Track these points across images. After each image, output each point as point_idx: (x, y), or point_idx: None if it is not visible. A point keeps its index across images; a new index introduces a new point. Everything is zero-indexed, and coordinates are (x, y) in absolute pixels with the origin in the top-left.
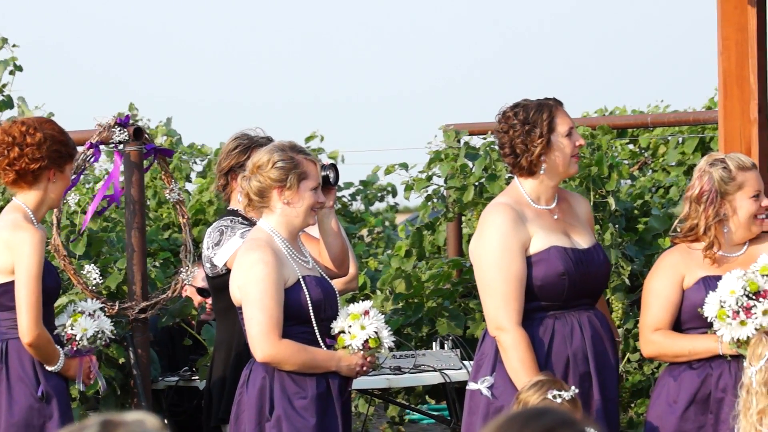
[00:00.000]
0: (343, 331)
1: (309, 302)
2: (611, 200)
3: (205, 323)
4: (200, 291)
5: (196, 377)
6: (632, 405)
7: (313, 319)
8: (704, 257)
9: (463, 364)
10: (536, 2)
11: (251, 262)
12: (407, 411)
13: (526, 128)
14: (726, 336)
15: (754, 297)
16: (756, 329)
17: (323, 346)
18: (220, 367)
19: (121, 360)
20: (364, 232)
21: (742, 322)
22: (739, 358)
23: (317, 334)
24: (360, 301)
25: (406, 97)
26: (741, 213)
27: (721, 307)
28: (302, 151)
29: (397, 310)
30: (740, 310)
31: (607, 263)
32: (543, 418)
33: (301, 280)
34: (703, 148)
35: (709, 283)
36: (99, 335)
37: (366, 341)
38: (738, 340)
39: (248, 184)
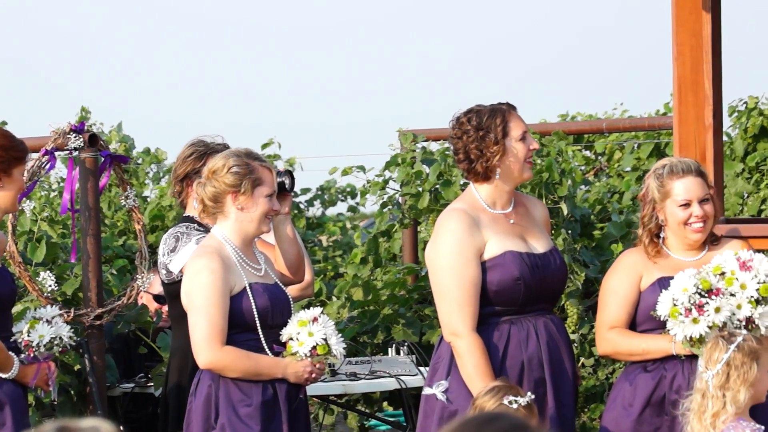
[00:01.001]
0: (291, 338)
1: (254, 310)
2: (563, 206)
3: (162, 330)
4: (157, 298)
5: (152, 384)
6: (585, 410)
7: (258, 327)
8: (649, 255)
9: (418, 370)
10: (497, 8)
11: (197, 269)
12: (365, 418)
13: (480, 133)
14: (679, 335)
15: (706, 295)
16: (708, 327)
17: (270, 354)
18: (175, 374)
19: (77, 367)
20: (323, 238)
21: (695, 320)
22: (693, 359)
23: (263, 341)
24: (316, 307)
25: (365, 103)
26: (670, 220)
27: (674, 305)
28: (258, 158)
29: (353, 317)
30: (693, 307)
31: (564, 268)
32: (496, 423)
33: (247, 287)
34: (659, 153)
35: (665, 284)
36: (56, 342)
37: (314, 348)
38: (691, 338)
39: (203, 190)
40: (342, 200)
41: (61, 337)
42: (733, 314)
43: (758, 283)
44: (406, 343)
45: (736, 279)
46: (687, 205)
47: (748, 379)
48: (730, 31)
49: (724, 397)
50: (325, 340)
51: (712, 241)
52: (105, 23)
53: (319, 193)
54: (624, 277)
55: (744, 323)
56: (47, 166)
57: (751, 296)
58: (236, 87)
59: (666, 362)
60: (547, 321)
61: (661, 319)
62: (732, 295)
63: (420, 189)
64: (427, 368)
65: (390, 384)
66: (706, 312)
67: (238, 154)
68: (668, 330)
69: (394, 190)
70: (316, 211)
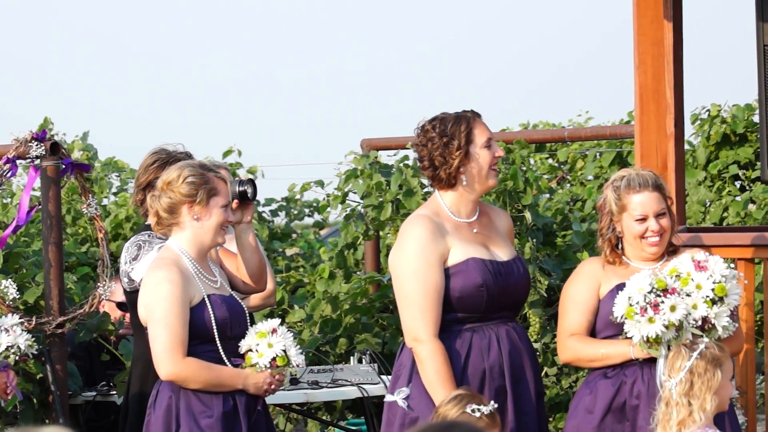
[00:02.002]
0: (250, 350)
1: (213, 321)
2: (527, 214)
3: (124, 338)
4: (120, 305)
5: (114, 392)
6: (550, 419)
7: (217, 338)
8: (608, 263)
9: (380, 378)
10: (454, 15)
11: (157, 281)
12: (327, 426)
13: (444, 140)
14: (636, 336)
15: (661, 294)
16: (665, 326)
17: (229, 365)
18: (137, 383)
19: (39, 375)
20: (290, 251)
21: (651, 319)
22: (652, 365)
23: (222, 353)
24: (277, 317)
25: (325, 111)
26: (627, 233)
27: (630, 305)
28: (212, 170)
29: (315, 323)
30: (648, 306)
31: (527, 276)
32: (453, 431)
33: (206, 298)
34: (621, 162)
35: (622, 288)
36: (13, 350)
37: (273, 359)
38: (648, 339)
39: (158, 202)
40: (309, 215)
41: (18, 346)
42: (689, 314)
43: (714, 282)
44: (368, 352)
45: (692, 279)
46: (643, 219)
47: (713, 386)
48: (692, 40)
49: (690, 405)
50: (284, 351)
51: (670, 252)
52: (63, 29)
53: (284, 203)
54: (583, 285)
55: (700, 323)
56: (8, 174)
57: (707, 296)
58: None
59: (626, 368)
60: (510, 329)
61: (618, 320)
62: (688, 295)
63: (381, 200)
64: (389, 377)
65: (352, 392)
66: (662, 311)
67: (192, 165)
68: (626, 332)
69: (355, 201)
70: (280, 221)
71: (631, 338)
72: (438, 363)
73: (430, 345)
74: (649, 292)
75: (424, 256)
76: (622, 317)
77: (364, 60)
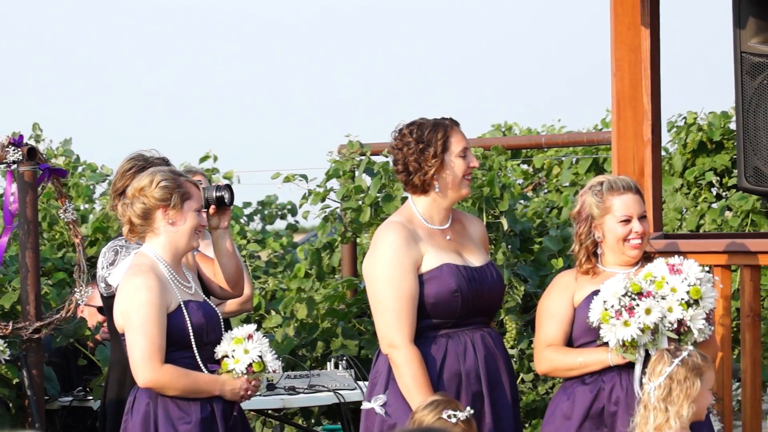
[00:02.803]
0: (226, 356)
1: (190, 327)
2: (503, 220)
3: (101, 343)
4: (101, 310)
5: (91, 397)
6: (526, 425)
7: (194, 345)
8: (582, 273)
9: (357, 384)
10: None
11: (134, 288)
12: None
13: (420, 146)
14: (611, 340)
15: (636, 297)
16: (640, 329)
17: (205, 371)
18: (114, 388)
19: (16, 380)
20: (264, 254)
21: (626, 323)
22: (630, 370)
23: (198, 359)
24: (254, 323)
25: (304, 117)
26: (609, 237)
27: (605, 309)
28: (183, 175)
29: (289, 324)
30: (623, 309)
31: (501, 281)
32: None
33: (182, 305)
34: (597, 168)
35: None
36: None
37: (250, 365)
38: (624, 343)
39: (131, 209)
40: (281, 217)
41: None
42: (665, 317)
43: (689, 285)
44: (344, 357)
45: (667, 282)
46: (627, 221)
47: (691, 394)
48: (670, 47)
49: (667, 411)
50: (260, 357)
51: (644, 258)
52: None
53: (259, 208)
54: (557, 297)
55: (676, 326)
56: None
57: (682, 299)
58: (176, 99)
59: (603, 374)
60: (485, 335)
61: (594, 325)
62: (663, 298)
63: (361, 203)
64: (366, 382)
65: (328, 398)
66: (637, 314)
67: (163, 170)
68: (602, 337)
69: (335, 202)
70: (256, 225)
71: (607, 345)
72: (414, 369)
73: (405, 351)
74: (624, 296)
75: (398, 263)
76: (597, 321)
77: (348, 65)
